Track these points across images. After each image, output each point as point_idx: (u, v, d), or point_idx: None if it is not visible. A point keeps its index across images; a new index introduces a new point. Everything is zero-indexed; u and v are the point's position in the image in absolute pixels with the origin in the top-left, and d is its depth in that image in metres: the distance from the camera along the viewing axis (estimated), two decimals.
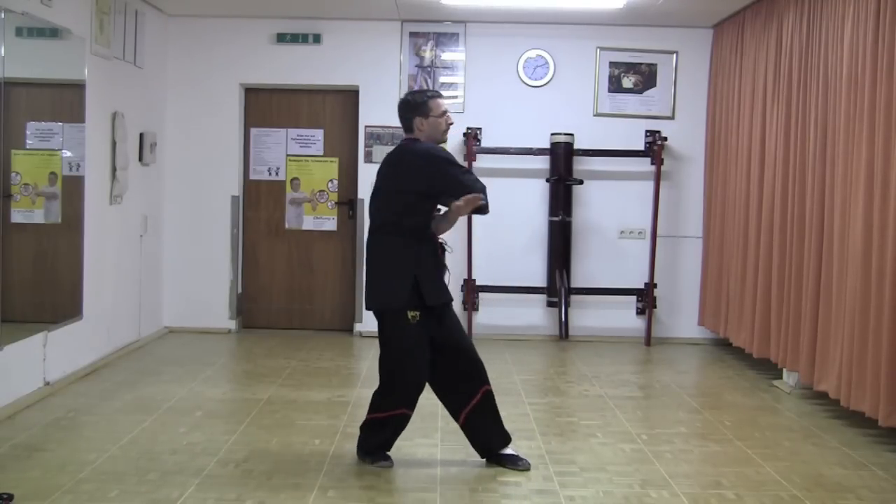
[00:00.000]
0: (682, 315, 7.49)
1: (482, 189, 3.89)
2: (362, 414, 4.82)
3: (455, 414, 4.09)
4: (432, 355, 3.99)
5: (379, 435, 4.07)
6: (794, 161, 5.65)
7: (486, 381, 4.08)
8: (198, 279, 7.45)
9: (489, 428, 4.09)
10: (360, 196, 7.46)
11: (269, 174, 7.63)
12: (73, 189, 5.68)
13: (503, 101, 7.35)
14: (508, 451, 4.10)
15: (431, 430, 4.65)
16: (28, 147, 5.37)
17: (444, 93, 7.26)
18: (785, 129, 5.79)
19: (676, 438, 4.65)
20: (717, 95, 7.14)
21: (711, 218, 7.19)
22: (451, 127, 4.06)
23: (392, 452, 4.12)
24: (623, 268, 7.43)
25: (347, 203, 7.58)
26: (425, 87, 7.37)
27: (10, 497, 3.44)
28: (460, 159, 6.85)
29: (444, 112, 4.02)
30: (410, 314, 3.91)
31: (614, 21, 7.22)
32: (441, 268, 4.05)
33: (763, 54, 6.19)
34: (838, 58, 5.08)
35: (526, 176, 7.35)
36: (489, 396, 4.07)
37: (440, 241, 4.09)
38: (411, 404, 4.04)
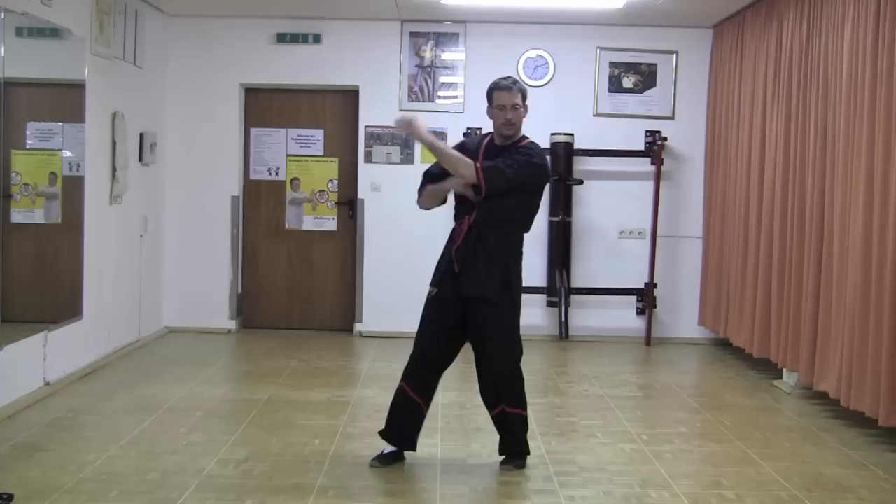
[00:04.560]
0: (682, 315, 7.49)
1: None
2: (362, 414, 4.84)
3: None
4: (472, 345, 4.07)
5: (390, 413, 4.11)
6: (794, 161, 5.65)
7: (504, 400, 4.02)
8: (198, 279, 7.45)
9: (503, 438, 4.11)
10: (360, 196, 7.47)
11: (269, 174, 7.63)
12: (73, 189, 5.68)
13: None
14: None
15: (431, 430, 4.65)
16: (28, 147, 5.37)
17: (443, 93, 7.41)
18: (785, 129, 5.79)
19: (676, 438, 4.65)
20: (717, 95, 7.14)
21: (711, 218, 7.19)
22: (510, 124, 3.94)
23: None
24: (623, 268, 7.43)
25: (347, 203, 7.57)
26: (428, 86, 7.39)
27: (10, 497, 3.44)
28: None
29: (502, 106, 3.94)
30: (431, 288, 4.05)
31: (614, 21, 7.22)
32: (448, 258, 4.01)
33: (763, 54, 6.19)
34: (838, 58, 5.08)
35: None
36: (505, 417, 4.04)
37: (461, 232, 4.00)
38: (412, 383, 4.06)
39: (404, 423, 4.09)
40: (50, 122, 5.57)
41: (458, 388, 5.40)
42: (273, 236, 7.66)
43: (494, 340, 3.98)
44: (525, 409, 4.07)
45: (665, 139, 7.32)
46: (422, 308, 4.10)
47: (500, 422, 4.06)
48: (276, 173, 7.62)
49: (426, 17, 7.28)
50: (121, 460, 4.07)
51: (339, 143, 7.62)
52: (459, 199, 4.03)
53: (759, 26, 6.31)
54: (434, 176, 4.09)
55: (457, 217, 4.06)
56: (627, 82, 7.44)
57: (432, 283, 4.06)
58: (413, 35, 7.43)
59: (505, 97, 3.93)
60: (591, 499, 3.73)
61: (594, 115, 7.44)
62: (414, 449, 4.11)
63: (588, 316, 7.46)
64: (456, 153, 3.95)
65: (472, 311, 3.97)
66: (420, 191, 4.15)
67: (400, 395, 4.08)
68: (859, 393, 4.65)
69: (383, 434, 4.11)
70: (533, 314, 7.46)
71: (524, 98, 3.98)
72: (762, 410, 5.29)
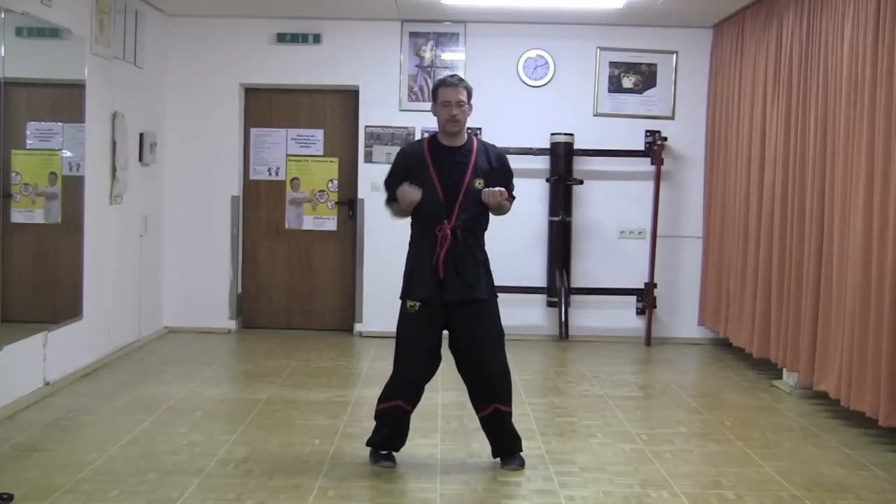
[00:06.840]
0: (682, 315, 7.49)
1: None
2: (362, 414, 4.84)
3: (474, 409, 4.13)
4: (453, 350, 4.03)
5: (381, 429, 4.06)
6: (794, 161, 5.65)
7: (498, 399, 4.01)
8: (198, 279, 7.45)
9: (495, 438, 4.09)
10: (360, 196, 7.47)
11: (269, 174, 7.63)
12: (73, 189, 5.68)
13: (503, 101, 7.34)
14: None
15: (431, 430, 4.66)
16: (28, 147, 5.37)
17: None
18: (785, 129, 5.79)
19: (676, 438, 4.65)
20: (717, 95, 7.14)
21: (711, 218, 7.19)
22: (455, 121, 3.98)
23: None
24: (623, 268, 7.43)
25: (347, 203, 7.58)
26: (427, 86, 7.39)
27: (10, 497, 3.44)
28: None
29: (447, 102, 3.97)
30: (409, 304, 3.98)
31: (614, 21, 7.22)
32: (431, 264, 3.93)
33: (763, 54, 6.19)
34: (838, 58, 5.08)
35: (526, 176, 7.32)
36: (498, 416, 4.02)
37: (447, 235, 3.95)
38: (406, 397, 4.02)
39: (401, 430, 4.08)
40: (50, 122, 5.58)
41: (457, 388, 5.37)
42: (273, 236, 7.66)
43: (488, 340, 4.01)
44: (512, 406, 4.09)
45: (665, 139, 7.33)
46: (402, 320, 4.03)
47: (494, 421, 4.04)
48: (276, 173, 7.62)
49: (426, 17, 7.28)
50: (121, 460, 4.07)
51: (339, 143, 7.62)
52: (435, 204, 3.97)
53: (759, 26, 6.31)
54: (394, 185, 4.06)
55: (430, 223, 3.97)
56: (627, 82, 7.44)
57: (411, 297, 3.97)
58: (413, 35, 7.43)
59: (450, 93, 3.97)
60: (591, 499, 3.73)
61: (594, 115, 7.44)
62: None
63: (588, 316, 7.46)
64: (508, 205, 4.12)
65: (459, 316, 3.97)
66: (389, 202, 4.14)
67: (396, 411, 4.01)
68: (859, 393, 4.64)
69: (381, 445, 4.07)
70: (533, 314, 7.47)
71: (469, 96, 4.03)
72: (762, 410, 5.29)
